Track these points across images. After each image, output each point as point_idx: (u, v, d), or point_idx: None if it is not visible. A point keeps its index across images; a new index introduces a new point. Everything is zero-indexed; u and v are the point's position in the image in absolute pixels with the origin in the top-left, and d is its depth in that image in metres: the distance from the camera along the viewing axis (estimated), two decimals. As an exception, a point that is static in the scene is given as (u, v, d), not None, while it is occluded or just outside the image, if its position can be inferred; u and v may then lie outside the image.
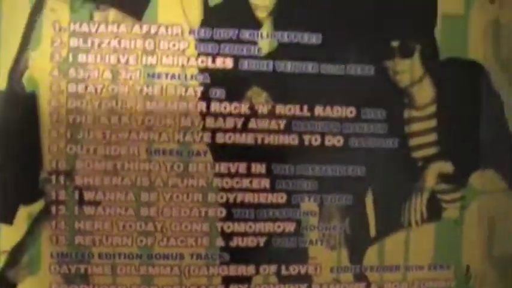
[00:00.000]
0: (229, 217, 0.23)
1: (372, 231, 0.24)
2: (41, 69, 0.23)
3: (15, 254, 0.23)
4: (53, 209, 0.23)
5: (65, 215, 0.23)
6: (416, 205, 0.24)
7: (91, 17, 0.23)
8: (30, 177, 0.23)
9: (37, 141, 0.23)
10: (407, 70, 0.24)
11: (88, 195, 0.23)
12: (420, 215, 0.24)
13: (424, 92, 0.24)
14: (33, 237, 0.23)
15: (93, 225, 0.23)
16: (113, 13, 0.23)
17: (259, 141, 0.23)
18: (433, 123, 0.24)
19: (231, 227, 0.23)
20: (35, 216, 0.23)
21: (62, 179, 0.23)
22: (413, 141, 0.24)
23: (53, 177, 0.23)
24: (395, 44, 0.24)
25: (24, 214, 0.23)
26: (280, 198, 0.23)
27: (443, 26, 0.24)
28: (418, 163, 0.24)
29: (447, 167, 0.24)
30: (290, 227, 0.23)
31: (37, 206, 0.23)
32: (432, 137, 0.24)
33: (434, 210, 0.24)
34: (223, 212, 0.23)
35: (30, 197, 0.23)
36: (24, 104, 0.23)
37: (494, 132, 0.25)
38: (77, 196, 0.23)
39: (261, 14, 0.23)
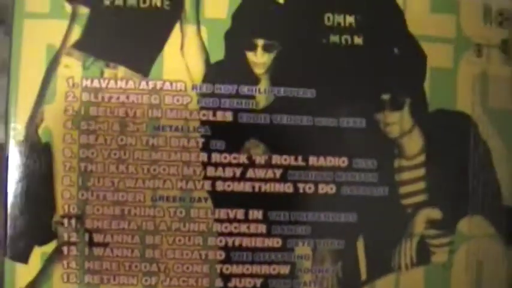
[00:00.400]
0: (228, 260, 0.24)
1: (363, 275, 0.25)
2: (55, 121, 0.24)
3: (30, 291, 0.24)
4: (65, 249, 0.24)
5: (76, 255, 0.24)
6: (406, 249, 0.25)
7: (102, 74, 0.24)
8: (45, 220, 0.24)
9: (51, 187, 0.24)
10: (397, 122, 0.25)
11: (97, 238, 0.24)
12: (410, 259, 0.25)
13: (414, 143, 0.25)
14: (46, 275, 0.24)
15: (101, 265, 0.24)
16: (121, 70, 0.24)
17: (256, 189, 0.24)
18: (422, 172, 0.25)
19: (229, 269, 0.24)
20: (48, 256, 0.24)
21: (73, 222, 0.24)
22: (403, 189, 0.25)
23: (65, 221, 0.24)
24: (385, 97, 0.25)
25: (38, 254, 0.24)
26: (276, 242, 0.25)
27: (433, 79, 0.25)
28: (408, 210, 0.25)
29: (436, 213, 0.25)
30: (285, 269, 0.25)
31: (50, 247, 0.24)
32: (421, 185, 0.25)
33: (423, 255, 0.25)
34: (222, 254, 0.24)
35: (44, 239, 0.24)
36: (40, 153, 0.24)
37: (482, 179, 0.26)
38: (87, 238, 0.24)
39: (259, 70, 0.25)
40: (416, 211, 0.25)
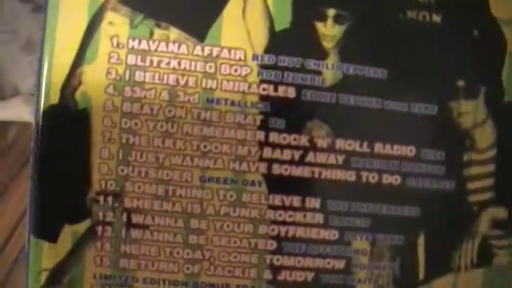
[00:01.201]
0: (279, 250, 0.22)
1: (421, 274, 0.23)
2: (95, 85, 0.21)
3: (57, 273, 0.21)
4: (99, 230, 0.21)
5: (111, 237, 0.21)
6: (467, 249, 0.23)
7: (151, 35, 0.21)
8: (78, 196, 0.21)
9: (87, 159, 0.21)
10: (471, 112, 0.23)
11: (136, 219, 0.21)
12: (470, 260, 0.23)
13: (486, 135, 0.23)
14: (77, 257, 0.21)
15: (139, 249, 0.21)
16: (174, 32, 0.21)
17: (316, 175, 0.22)
18: (491, 167, 0.23)
19: (280, 260, 0.22)
20: (80, 236, 0.21)
21: (110, 200, 0.21)
22: (471, 185, 0.23)
23: (101, 198, 0.21)
24: (461, 84, 0.22)
25: (68, 233, 0.21)
26: (333, 234, 0.22)
27: (511, 66, 0.23)
28: (473, 207, 0.23)
29: (502, 212, 0.23)
30: (340, 264, 0.22)
31: (83, 226, 0.21)
32: (489, 182, 0.23)
33: (484, 256, 0.23)
34: (273, 244, 0.22)
35: (76, 216, 0.21)
36: (76, 120, 0.21)
37: (551, 179, 0.24)
38: (124, 218, 0.21)
39: (328, 44, 0.22)
40: (482, 209, 0.23)
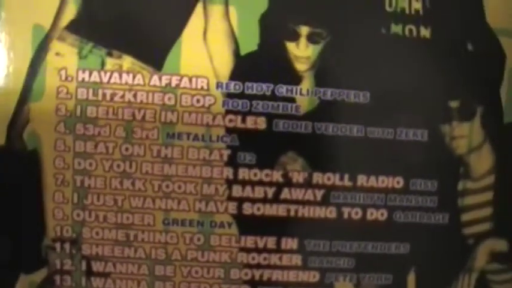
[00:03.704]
0: (253, 296, 0.19)
1: (412, 314, 0.19)
2: (44, 123, 0.17)
3: (15, 327, 0.18)
4: (57, 279, 0.18)
5: (71, 286, 0.18)
6: (463, 286, 0.19)
7: (102, 65, 0.17)
8: (32, 244, 0.18)
9: (40, 204, 0.18)
10: (466, 135, 0.19)
11: (96, 266, 0.18)
12: (467, 297, 0.19)
13: (483, 161, 0.19)
14: (35, 309, 0.18)
15: (101, 299, 0.18)
16: (128, 61, 0.17)
17: (292, 213, 0.18)
18: (489, 195, 0.19)
19: (255, 306, 0.19)
20: (37, 286, 0.18)
21: (67, 247, 0.18)
22: (466, 216, 0.19)
23: (58, 245, 0.18)
24: (454, 104, 0.19)
25: (25, 283, 0.18)
26: (313, 276, 0.19)
27: (510, 84, 0.19)
28: (469, 240, 0.19)
29: (501, 245, 0.19)
30: (322, 308, 0.19)
31: (39, 275, 0.18)
32: (487, 212, 0.19)
33: (482, 292, 0.20)
34: (247, 290, 0.19)
35: (32, 266, 0.18)
36: (25, 163, 0.18)
37: (557, 205, 0.20)
38: (84, 267, 0.18)
39: (301, 66, 0.18)
40: (479, 242, 0.19)
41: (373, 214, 0.18)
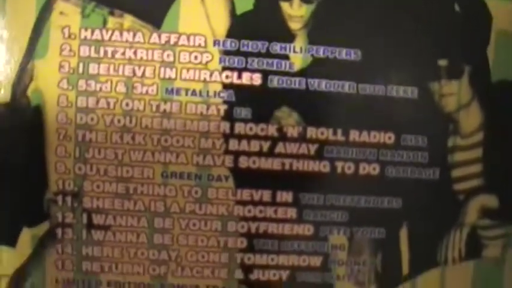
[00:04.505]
0: (250, 248, 0.19)
1: (405, 268, 0.19)
2: (47, 80, 0.18)
3: (17, 279, 0.19)
4: (59, 232, 0.18)
5: (72, 239, 0.18)
6: (454, 241, 0.20)
7: (104, 24, 0.18)
8: (35, 198, 0.18)
9: (43, 159, 0.18)
10: (455, 93, 0.19)
11: (97, 219, 0.18)
12: (458, 252, 0.20)
13: (472, 118, 0.19)
14: (37, 261, 0.19)
15: (101, 251, 0.18)
16: (128, 20, 0.18)
17: (286, 167, 0.19)
18: (478, 152, 0.19)
19: (251, 258, 0.19)
20: (40, 239, 0.18)
21: (69, 200, 0.18)
22: (456, 172, 0.19)
23: (60, 199, 0.18)
24: (443, 63, 0.19)
25: (27, 237, 0.18)
26: (307, 230, 0.19)
27: (498, 44, 0.19)
28: (460, 196, 0.19)
29: (492, 200, 0.20)
30: (316, 261, 0.19)
31: (42, 229, 0.18)
32: (477, 168, 0.19)
33: (473, 248, 0.20)
34: (243, 242, 0.19)
35: (34, 219, 0.18)
36: (29, 119, 0.18)
37: (545, 163, 0.20)
38: (85, 219, 0.18)
39: (295, 25, 0.18)
40: (470, 198, 0.19)
41: (365, 169, 0.19)
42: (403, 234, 0.19)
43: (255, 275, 0.19)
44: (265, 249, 0.19)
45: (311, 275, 0.19)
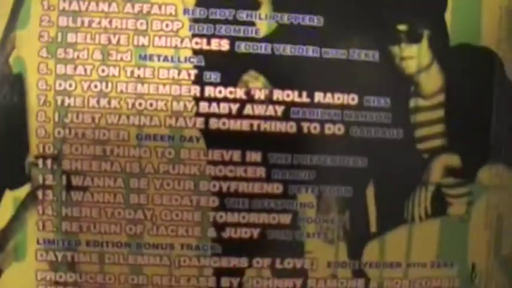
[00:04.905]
0: (222, 207, 0.19)
1: (373, 226, 0.20)
2: (28, 49, 0.19)
3: (0, 239, 0.20)
4: (40, 193, 0.19)
5: (52, 200, 0.19)
6: (420, 199, 0.20)
7: (81, -5, 0.19)
8: (16, 161, 0.19)
9: (24, 124, 0.19)
10: (415, 56, 0.20)
11: (76, 181, 0.19)
12: (424, 210, 0.20)
13: (432, 80, 0.20)
14: (19, 222, 0.19)
15: (80, 212, 0.19)
16: (103, -10, 0.19)
17: (255, 128, 0.19)
18: (440, 113, 0.20)
19: (223, 217, 0.20)
20: (21, 201, 0.19)
21: (49, 163, 0.19)
22: (419, 132, 0.20)
23: (40, 162, 0.19)
24: (402, 28, 0.20)
25: (10, 199, 0.19)
26: (276, 188, 0.20)
27: (455, 8, 0.20)
28: (424, 155, 0.20)
29: (454, 160, 0.20)
30: (286, 218, 0.20)
31: (23, 191, 0.19)
32: (439, 128, 0.20)
33: (439, 205, 0.20)
34: (215, 201, 0.20)
35: (16, 181, 0.19)
36: (11, 85, 0.19)
37: (507, 124, 0.21)
38: (64, 181, 0.19)
39: (260, -7, 0.20)
40: (433, 157, 0.20)
41: (330, 129, 0.20)
42: (370, 192, 0.20)
43: (227, 233, 0.20)
44: (236, 207, 0.19)
45: (281, 232, 0.20)
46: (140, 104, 0.19)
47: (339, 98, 0.20)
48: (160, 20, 0.19)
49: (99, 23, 0.19)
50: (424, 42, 0.20)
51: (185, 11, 0.19)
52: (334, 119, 0.20)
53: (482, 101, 0.21)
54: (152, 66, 0.19)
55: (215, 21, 0.19)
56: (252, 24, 0.19)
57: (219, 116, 0.19)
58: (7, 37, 0.19)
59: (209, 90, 0.19)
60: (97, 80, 0.19)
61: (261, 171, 0.19)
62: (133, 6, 0.19)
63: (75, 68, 0.19)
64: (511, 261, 0.21)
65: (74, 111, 0.19)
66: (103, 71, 0.19)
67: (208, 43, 0.19)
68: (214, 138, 0.19)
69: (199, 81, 0.19)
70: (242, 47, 0.19)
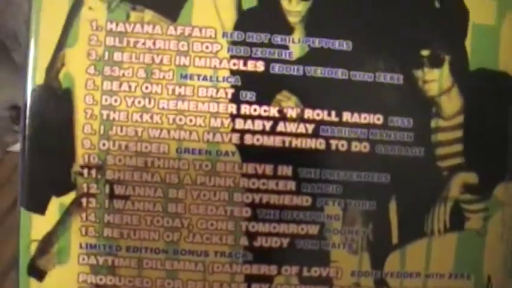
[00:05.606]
0: (254, 217, 0.21)
1: (394, 238, 0.21)
2: (77, 66, 0.21)
3: (46, 243, 0.21)
4: (84, 201, 0.21)
5: (95, 207, 0.21)
6: (439, 214, 0.22)
7: (127, 17, 0.21)
8: (64, 170, 0.21)
9: (71, 135, 0.21)
10: (437, 80, 0.21)
11: (118, 190, 0.21)
12: (443, 224, 0.22)
13: (452, 102, 0.22)
14: (64, 227, 0.21)
15: (121, 219, 0.21)
16: (148, 14, 0.21)
17: (286, 144, 0.21)
18: (459, 133, 0.22)
19: (255, 226, 0.21)
20: (66, 207, 0.21)
21: (93, 173, 0.21)
22: (439, 151, 0.21)
23: (85, 171, 0.21)
24: (425, 53, 0.21)
25: (56, 205, 0.21)
26: (305, 201, 0.21)
27: (474, 36, 0.22)
28: (443, 172, 0.22)
29: (472, 177, 0.22)
30: (313, 229, 0.21)
31: (69, 198, 0.21)
32: (458, 148, 0.22)
33: (457, 220, 0.22)
34: (248, 211, 0.21)
35: (62, 189, 0.21)
36: (60, 100, 0.21)
37: (521, 144, 0.22)
38: (107, 190, 0.21)
39: (293, 19, 0.21)
40: (452, 174, 0.22)
41: (357, 146, 0.21)
42: (392, 206, 0.21)
43: (259, 242, 0.21)
44: (268, 218, 0.21)
45: (309, 242, 0.21)
46: (180, 120, 0.20)
47: (365, 118, 0.21)
48: (201, 42, 0.21)
49: (144, 43, 0.21)
50: (446, 67, 0.21)
51: (224, 34, 0.21)
52: (361, 137, 0.21)
53: (499, 122, 0.22)
54: (192, 85, 0.21)
55: (252, 44, 0.21)
56: (286, 47, 0.21)
57: (253, 132, 0.21)
58: (57, 54, 0.21)
59: (245, 108, 0.21)
60: (140, 97, 0.20)
61: (291, 185, 0.21)
62: (175, 29, 0.21)
63: (120, 85, 0.20)
64: (524, 274, 0.22)
65: (118, 124, 0.20)
66: (146, 88, 0.20)
67: (245, 64, 0.21)
68: (248, 153, 0.21)
69: (235, 99, 0.21)
70: (276, 69, 0.21)
